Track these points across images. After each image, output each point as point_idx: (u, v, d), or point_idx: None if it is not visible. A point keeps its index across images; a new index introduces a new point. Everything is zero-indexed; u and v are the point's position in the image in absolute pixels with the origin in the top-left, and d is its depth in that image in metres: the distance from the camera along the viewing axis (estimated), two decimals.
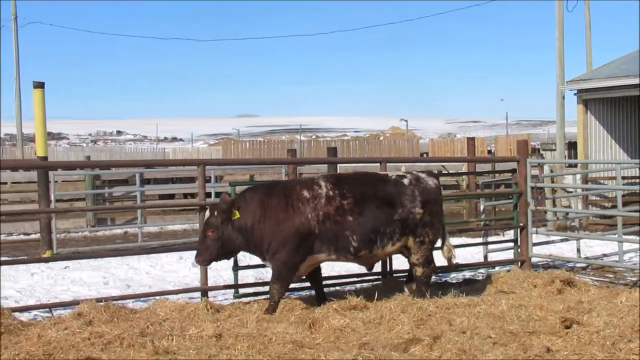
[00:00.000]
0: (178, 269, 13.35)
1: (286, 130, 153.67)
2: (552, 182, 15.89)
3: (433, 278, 11.93)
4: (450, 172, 22.44)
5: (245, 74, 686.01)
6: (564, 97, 21.30)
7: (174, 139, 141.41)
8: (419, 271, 9.48)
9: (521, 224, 12.30)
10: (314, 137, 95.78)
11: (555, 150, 21.57)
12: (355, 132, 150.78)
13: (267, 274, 11.34)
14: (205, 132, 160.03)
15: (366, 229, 8.98)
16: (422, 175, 9.71)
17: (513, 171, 12.85)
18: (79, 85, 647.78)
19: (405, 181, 9.43)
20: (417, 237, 9.32)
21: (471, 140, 20.87)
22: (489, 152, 45.93)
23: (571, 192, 17.63)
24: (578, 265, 13.42)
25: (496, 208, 14.29)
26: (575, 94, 21.51)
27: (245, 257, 11.13)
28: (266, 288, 9.57)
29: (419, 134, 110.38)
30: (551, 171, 18.89)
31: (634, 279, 12.07)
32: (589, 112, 21.16)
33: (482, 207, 13.53)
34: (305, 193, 9.03)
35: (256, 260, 9.84)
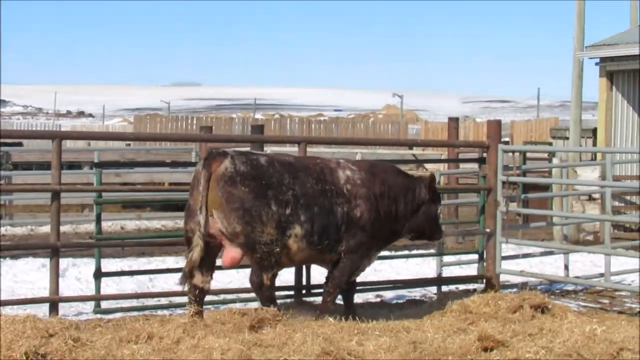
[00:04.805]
0: (35, 280, 13.69)
1: (239, 106, 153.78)
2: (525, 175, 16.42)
3: (369, 296, 12.61)
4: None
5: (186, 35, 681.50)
6: (582, 68, 21.72)
7: (81, 114, 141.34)
8: None
9: (488, 230, 12.87)
10: (277, 115, 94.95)
11: (568, 138, 21.98)
12: (335, 110, 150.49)
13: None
14: (126, 105, 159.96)
15: None
16: None
17: (481, 161, 13.41)
18: None
19: None
20: None
21: (453, 122, 21.03)
22: (505, 143, 46.08)
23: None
24: (568, 287, 14.05)
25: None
26: (597, 64, 21.99)
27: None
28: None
29: (424, 117, 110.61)
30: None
31: (635, 305, 12.63)
32: (614, 87, 21.63)
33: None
34: None
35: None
